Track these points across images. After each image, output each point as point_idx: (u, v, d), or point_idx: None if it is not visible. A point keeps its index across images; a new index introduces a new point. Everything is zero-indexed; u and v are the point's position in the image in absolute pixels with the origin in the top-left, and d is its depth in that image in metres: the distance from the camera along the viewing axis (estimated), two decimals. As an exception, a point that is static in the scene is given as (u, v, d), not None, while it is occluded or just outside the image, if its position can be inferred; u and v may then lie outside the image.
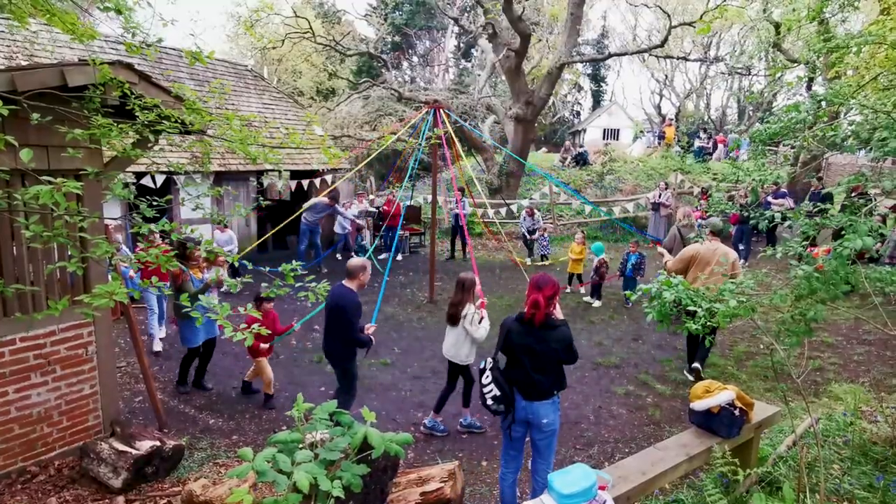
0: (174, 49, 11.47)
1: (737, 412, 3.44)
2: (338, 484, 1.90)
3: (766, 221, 4.12)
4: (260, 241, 10.20)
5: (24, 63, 8.73)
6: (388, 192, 14.33)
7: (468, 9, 24.21)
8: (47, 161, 3.64)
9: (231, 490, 3.29)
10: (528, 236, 12.37)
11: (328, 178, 11.71)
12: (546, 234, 12.46)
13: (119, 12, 2.91)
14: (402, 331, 7.74)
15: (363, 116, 22.96)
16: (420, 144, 10.50)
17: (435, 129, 8.70)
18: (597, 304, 9.05)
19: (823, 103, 3.92)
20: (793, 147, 10.15)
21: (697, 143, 20.79)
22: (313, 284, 3.20)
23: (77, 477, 3.95)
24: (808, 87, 13.40)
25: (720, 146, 20.49)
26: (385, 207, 12.59)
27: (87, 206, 3.79)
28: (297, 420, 2.16)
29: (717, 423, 3.43)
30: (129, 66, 3.62)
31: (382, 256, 11.84)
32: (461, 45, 32.75)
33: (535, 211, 12.57)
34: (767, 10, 12.67)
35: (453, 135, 9.40)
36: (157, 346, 6.64)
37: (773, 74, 16.60)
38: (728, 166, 14.51)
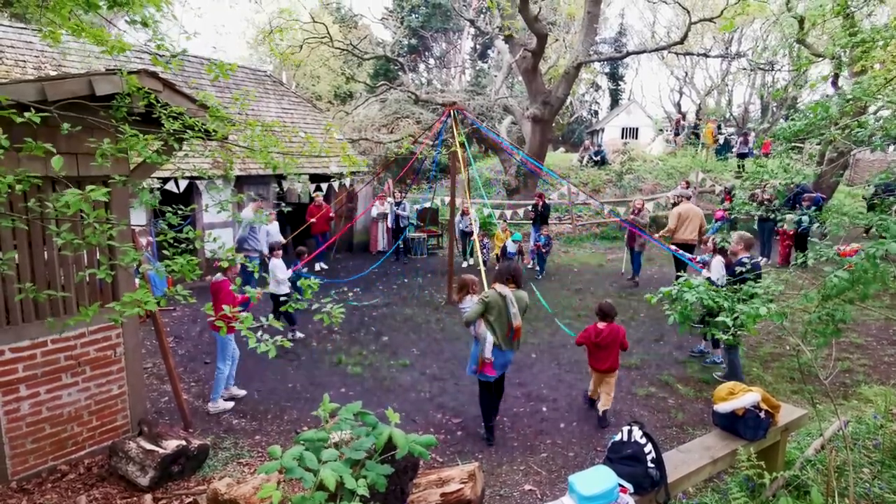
0: (196, 57, 11.70)
1: (762, 414, 3.38)
2: (363, 483, 1.92)
3: (795, 224, 4.04)
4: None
5: (52, 73, 8.99)
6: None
7: (484, 10, 24.15)
8: (77, 168, 3.75)
9: (254, 489, 3.35)
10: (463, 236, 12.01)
11: (346, 180, 11.77)
12: (486, 240, 12.05)
13: (146, 25, 2.98)
14: (421, 332, 7.76)
15: (380, 119, 23.08)
16: (438, 148, 10.42)
17: (456, 136, 8.71)
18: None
19: (850, 99, 3.83)
20: (818, 144, 9.91)
21: (731, 142, 20.12)
22: (330, 306, 3.10)
23: (106, 475, 4.06)
24: (835, 83, 13.07)
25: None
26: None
27: (115, 213, 3.90)
28: (322, 420, 2.19)
29: (742, 425, 3.37)
30: (154, 75, 3.71)
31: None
32: (477, 46, 32.72)
33: (471, 210, 12.07)
34: (791, 4, 12.37)
35: (463, 139, 9.43)
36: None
37: (797, 69, 16.22)
38: (752, 165, 14.25)
